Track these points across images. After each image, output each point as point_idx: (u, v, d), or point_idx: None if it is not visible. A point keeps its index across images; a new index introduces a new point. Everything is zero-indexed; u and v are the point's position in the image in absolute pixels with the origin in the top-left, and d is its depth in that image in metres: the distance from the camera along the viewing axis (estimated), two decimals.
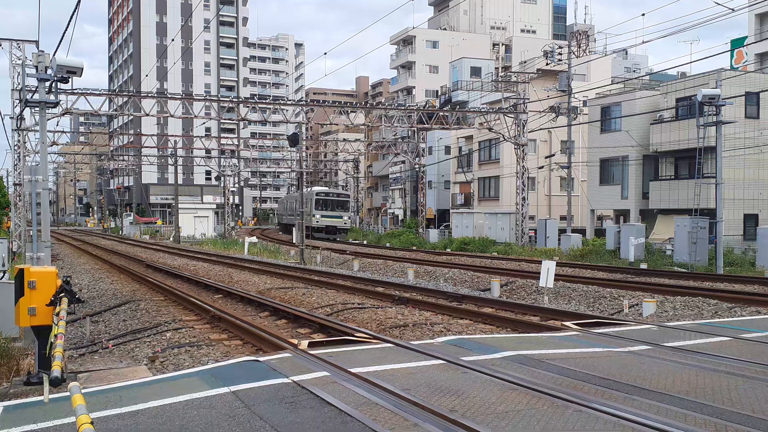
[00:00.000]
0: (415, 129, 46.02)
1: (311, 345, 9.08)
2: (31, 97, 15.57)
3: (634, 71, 74.44)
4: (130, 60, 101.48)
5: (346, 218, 54.95)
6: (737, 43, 44.36)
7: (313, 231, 51.01)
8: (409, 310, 14.07)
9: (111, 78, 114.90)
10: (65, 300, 7.48)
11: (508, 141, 37.58)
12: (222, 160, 65.54)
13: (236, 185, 77.67)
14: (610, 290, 16.66)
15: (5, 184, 52.18)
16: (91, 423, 3.51)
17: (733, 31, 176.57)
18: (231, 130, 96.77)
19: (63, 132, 47.80)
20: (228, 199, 59.94)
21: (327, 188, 69.05)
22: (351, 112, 41.08)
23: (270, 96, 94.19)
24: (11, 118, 33.50)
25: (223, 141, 73.01)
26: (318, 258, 31.19)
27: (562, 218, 41.55)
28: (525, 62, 55.89)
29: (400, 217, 66.99)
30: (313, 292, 17.15)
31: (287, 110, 37.02)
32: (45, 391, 6.57)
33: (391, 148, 57.71)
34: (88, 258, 34.07)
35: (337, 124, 48.06)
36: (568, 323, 11.17)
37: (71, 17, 13.08)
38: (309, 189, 58.93)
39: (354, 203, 60.51)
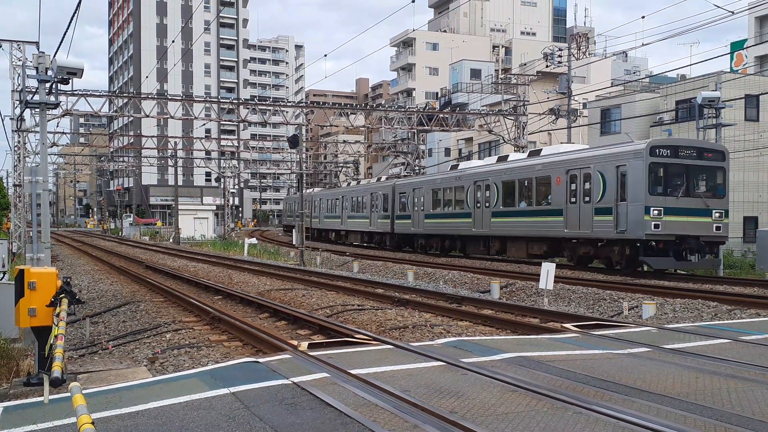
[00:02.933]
0: (415, 131, 46.06)
1: (311, 346, 9.08)
2: (32, 98, 15.57)
3: (634, 73, 74.50)
4: (130, 61, 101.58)
5: (718, 216, 20.72)
6: (737, 46, 44.41)
7: (645, 253, 20.23)
8: (408, 311, 14.06)
9: (111, 79, 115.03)
10: (65, 301, 7.48)
11: (507, 143, 37.59)
12: (222, 161, 65.59)
13: (236, 187, 77.66)
14: (610, 292, 16.62)
15: (5, 185, 52.18)
16: (92, 423, 3.52)
17: (733, 34, 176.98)
18: (231, 132, 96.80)
19: (63, 133, 48.08)
20: (228, 201, 59.91)
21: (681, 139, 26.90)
22: (351, 113, 41.17)
23: (270, 97, 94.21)
24: (11, 119, 33.56)
25: (223, 142, 73.01)
26: (318, 260, 31.18)
27: None
28: (525, 64, 55.92)
29: None
30: (312, 294, 17.14)
31: (287, 112, 37.04)
32: (45, 391, 6.57)
33: (391, 149, 57.73)
34: (87, 259, 34.06)
35: (337, 126, 48.13)
36: (567, 325, 11.17)
37: (72, 18, 13.10)
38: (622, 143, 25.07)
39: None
